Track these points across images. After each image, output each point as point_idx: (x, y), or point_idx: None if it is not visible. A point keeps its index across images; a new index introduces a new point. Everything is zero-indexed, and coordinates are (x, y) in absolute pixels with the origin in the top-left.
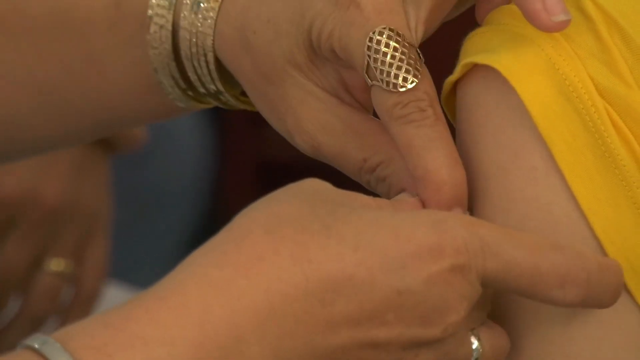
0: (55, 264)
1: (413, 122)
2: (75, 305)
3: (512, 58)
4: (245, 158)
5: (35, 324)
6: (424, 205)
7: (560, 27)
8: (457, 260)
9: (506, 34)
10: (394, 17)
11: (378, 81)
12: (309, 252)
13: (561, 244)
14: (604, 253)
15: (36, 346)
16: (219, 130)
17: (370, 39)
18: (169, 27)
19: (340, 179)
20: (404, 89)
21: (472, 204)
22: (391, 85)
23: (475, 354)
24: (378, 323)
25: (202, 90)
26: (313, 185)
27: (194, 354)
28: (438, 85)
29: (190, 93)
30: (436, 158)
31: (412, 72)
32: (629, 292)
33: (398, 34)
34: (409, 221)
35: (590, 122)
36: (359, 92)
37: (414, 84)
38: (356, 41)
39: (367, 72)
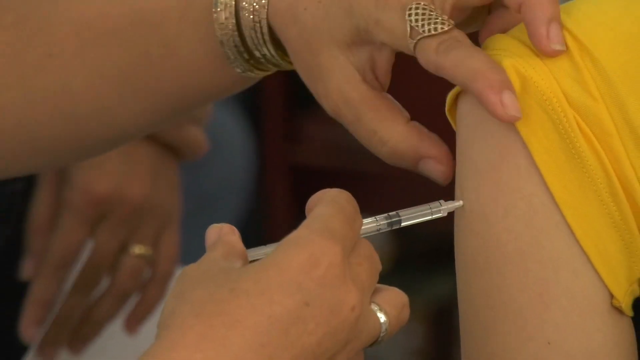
0: (138, 249)
1: (455, 49)
2: (152, 282)
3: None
4: (280, 163)
5: (122, 298)
6: (480, 92)
7: (555, 54)
8: (332, 258)
9: (497, 59)
10: None
11: (421, 34)
12: (233, 315)
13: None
14: (574, 236)
15: None
16: (259, 140)
17: (409, 10)
18: (232, 4)
19: (360, 182)
20: (442, 30)
21: (466, 194)
22: (432, 30)
23: (383, 323)
24: (307, 335)
25: (257, 54)
26: (195, 271)
27: None
28: (443, 100)
29: (247, 57)
30: (479, 60)
31: (445, 22)
32: (597, 272)
33: (425, 4)
34: (280, 255)
35: (562, 129)
36: (382, 73)
37: (449, 26)
38: (398, 18)
39: (410, 36)
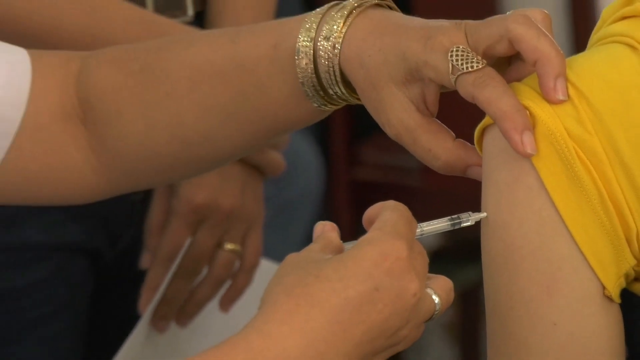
0: (230, 246)
1: (489, 86)
2: (241, 272)
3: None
4: (343, 180)
5: (217, 284)
6: (506, 131)
7: (560, 102)
8: (399, 254)
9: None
10: (460, 41)
11: (460, 70)
12: (316, 297)
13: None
14: (574, 241)
15: None
16: (327, 161)
17: (451, 52)
18: (311, 53)
19: (406, 195)
20: (478, 68)
21: (489, 208)
22: (469, 68)
23: (437, 304)
24: (375, 313)
25: (330, 92)
26: (294, 260)
27: None
28: (474, 127)
29: (322, 94)
30: (507, 104)
31: (480, 62)
32: (592, 269)
33: (464, 48)
34: (356, 251)
35: (564, 157)
36: (431, 104)
37: (483, 65)
38: (442, 59)
39: (451, 71)
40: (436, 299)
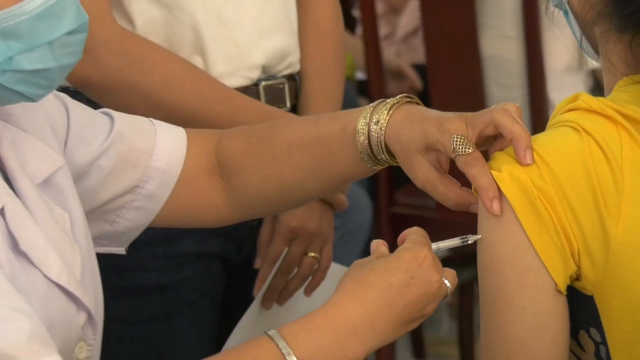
0: (312, 254)
1: (474, 166)
2: (318, 271)
3: (504, 175)
4: (385, 214)
5: (303, 279)
6: (482, 199)
7: (528, 165)
8: (425, 255)
9: (497, 163)
10: (462, 128)
11: (457, 152)
12: (370, 282)
13: None
14: (537, 254)
15: (269, 334)
16: (374, 201)
17: (453, 137)
18: (366, 133)
19: (427, 224)
20: (469, 152)
21: (482, 232)
22: (463, 151)
23: (448, 287)
24: (411, 293)
25: (379, 158)
26: (358, 262)
27: (350, 328)
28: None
29: (373, 159)
30: (484, 180)
31: (471, 147)
32: (549, 273)
33: (463, 136)
34: (398, 254)
35: (531, 200)
36: (444, 166)
37: (472, 150)
38: (448, 140)
39: (453, 151)
40: (448, 284)
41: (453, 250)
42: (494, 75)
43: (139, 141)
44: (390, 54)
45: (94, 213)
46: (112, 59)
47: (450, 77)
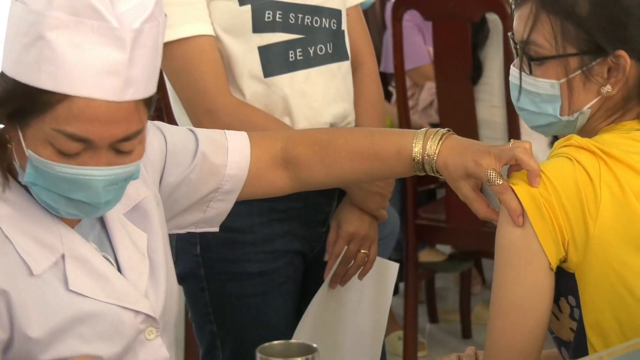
0: (363, 251)
1: (504, 194)
2: (367, 263)
3: (521, 189)
4: (411, 225)
5: (357, 268)
6: (512, 217)
7: (537, 186)
8: None
9: (516, 180)
10: (493, 162)
11: (492, 183)
12: None
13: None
14: (542, 247)
15: None
16: (403, 216)
17: (489, 171)
18: (420, 159)
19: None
20: (499, 183)
21: (501, 229)
22: (495, 182)
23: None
24: None
25: (428, 172)
26: None
27: None
28: None
29: (423, 171)
30: (514, 204)
31: (501, 179)
32: (547, 257)
33: (495, 170)
34: None
35: (539, 206)
36: (478, 186)
37: (502, 181)
38: (484, 172)
39: (488, 181)
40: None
41: (456, 247)
42: (486, 132)
43: (216, 157)
44: (415, 118)
45: (191, 207)
46: (228, 120)
47: (456, 134)
